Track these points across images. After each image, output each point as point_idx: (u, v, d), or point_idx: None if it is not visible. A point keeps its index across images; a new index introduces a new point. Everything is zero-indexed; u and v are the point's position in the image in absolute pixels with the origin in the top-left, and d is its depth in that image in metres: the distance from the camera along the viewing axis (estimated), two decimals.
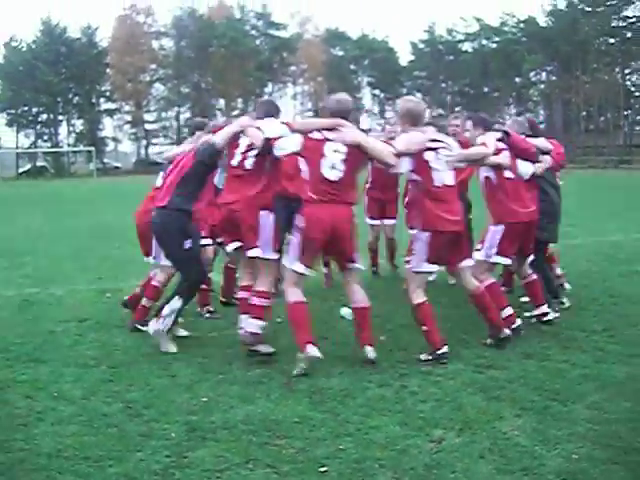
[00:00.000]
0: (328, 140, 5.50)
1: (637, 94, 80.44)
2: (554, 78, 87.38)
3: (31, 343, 6.42)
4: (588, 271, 9.44)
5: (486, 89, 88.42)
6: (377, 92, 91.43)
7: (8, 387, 5.23)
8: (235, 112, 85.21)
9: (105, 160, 80.00)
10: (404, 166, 5.71)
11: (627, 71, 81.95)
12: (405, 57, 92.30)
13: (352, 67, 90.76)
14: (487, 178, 6.38)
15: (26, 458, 3.99)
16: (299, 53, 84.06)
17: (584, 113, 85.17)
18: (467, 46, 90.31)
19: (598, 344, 6.04)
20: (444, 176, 5.73)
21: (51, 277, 10.05)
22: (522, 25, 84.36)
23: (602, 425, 4.30)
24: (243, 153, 5.89)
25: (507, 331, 5.94)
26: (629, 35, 76.19)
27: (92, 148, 70.78)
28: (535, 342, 6.09)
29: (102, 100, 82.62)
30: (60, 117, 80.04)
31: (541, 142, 6.92)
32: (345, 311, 6.65)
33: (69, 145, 78.12)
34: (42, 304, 8.21)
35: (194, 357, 5.84)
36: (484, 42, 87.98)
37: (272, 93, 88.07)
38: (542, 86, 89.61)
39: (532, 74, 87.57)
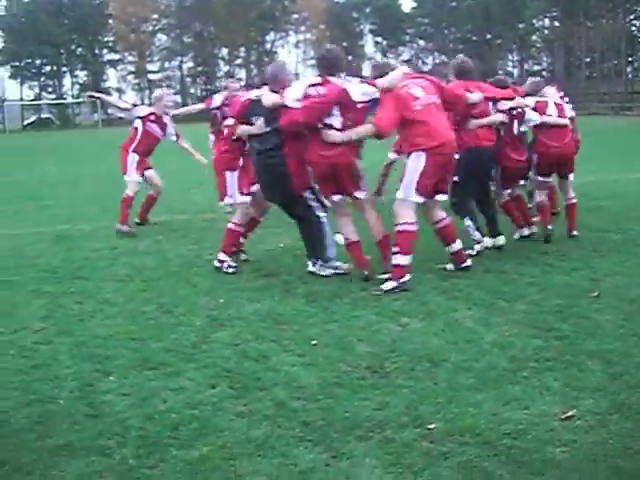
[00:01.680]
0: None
1: None
2: (557, 24, 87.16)
3: (72, 266, 7.65)
4: (560, 205, 10.55)
5: (489, 36, 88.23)
6: (379, 39, 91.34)
7: (61, 296, 6.43)
8: (238, 61, 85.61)
9: (109, 111, 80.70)
10: None
11: (630, 17, 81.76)
12: (407, 4, 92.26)
13: (354, 15, 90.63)
14: None
15: (86, 341, 5.19)
16: (301, 1, 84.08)
17: (587, 59, 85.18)
18: None
19: (548, 261, 7.22)
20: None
21: (76, 217, 11.21)
22: None
23: (534, 314, 5.50)
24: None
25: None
26: None
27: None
28: (495, 259, 7.28)
29: (105, 51, 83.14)
30: (64, 69, 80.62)
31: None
32: (338, 237, 7.73)
33: (73, 97, 78.79)
34: (73, 237, 9.41)
35: (211, 272, 7.04)
36: None
37: (274, 41, 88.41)
38: (545, 32, 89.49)
39: (534, 20, 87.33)
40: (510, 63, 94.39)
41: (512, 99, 7.76)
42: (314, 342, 4.97)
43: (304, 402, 4.03)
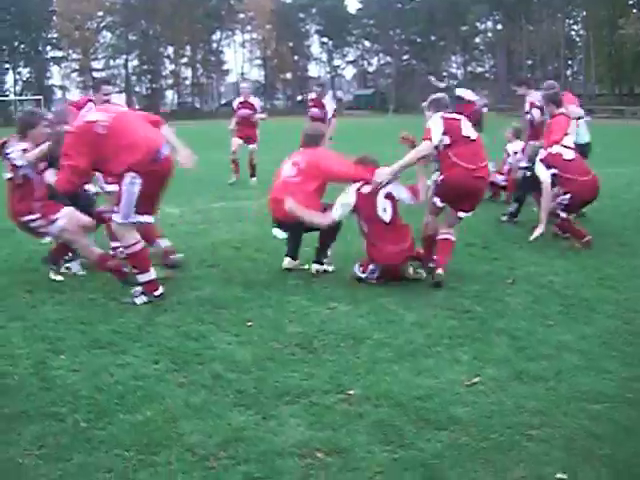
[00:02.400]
0: None
1: (579, 44, 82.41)
2: (499, 27, 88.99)
3: (21, 258, 7.94)
4: None
5: (433, 38, 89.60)
6: (325, 40, 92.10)
7: (11, 286, 6.75)
8: (184, 60, 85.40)
9: (53, 109, 79.72)
10: None
11: (570, 21, 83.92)
12: (353, 5, 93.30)
13: (300, 15, 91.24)
14: None
15: (38, 324, 5.55)
16: (247, 0, 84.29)
17: (529, 62, 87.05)
18: None
19: (472, 252, 7.80)
20: None
21: None
22: None
23: (453, 299, 6.05)
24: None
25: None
26: None
27: (40, 97, 70.59)
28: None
29: (49, 48, 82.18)
30: (6, 65, 79.43)
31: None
32: (275, 231, 8.10)
33: (16, 94, 77.70)
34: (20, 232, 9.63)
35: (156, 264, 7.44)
36: None
37: (220, 40, 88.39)
38: (488, 35, 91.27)
39: (478, 23, 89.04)
40: (454, 65, 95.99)
41: None
42: (250, 324, 5.43)
43: (239, 374, 4.49)
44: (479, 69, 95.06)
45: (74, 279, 6.94)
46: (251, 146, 14.79)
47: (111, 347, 4.99)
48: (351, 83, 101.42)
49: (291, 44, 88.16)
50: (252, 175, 14.62)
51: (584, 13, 78.93)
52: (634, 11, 70.16)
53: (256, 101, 15.30)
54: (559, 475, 3.32)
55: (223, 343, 5.05)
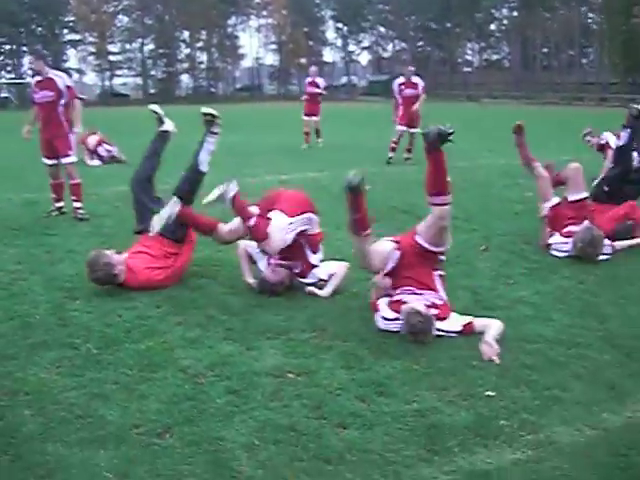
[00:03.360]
0: None
1: (595, 32, 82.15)
2: (515, 14, 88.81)
3: (40, 224, 8.65)
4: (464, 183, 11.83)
5: (448, 24, 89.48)
6: (340, 25, 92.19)
7: (32, 247, 7.47)
8: (199, 44, 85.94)
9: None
10: None
11: (584, 9, 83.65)
12: None
13: (316, 0, 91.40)
14: None
15: (56, 277, 6.25)
16: None
17: (544, 50, 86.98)
18: None
19: (456, 223, 8.42)
20: None
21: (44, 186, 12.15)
22: None
23: None
24: None
25: None
26: None
27: None
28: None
29: (65, 31, 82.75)
30: (23, 48, 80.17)
31: None
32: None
33: (33, 76, 78.37)
34: (40, 203, 10.36)
35: None
36: None
37: (235, 25, 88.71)
38: (504, 22, 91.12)
39: (493, 10, 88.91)
40: (469, 52, 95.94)
41: None
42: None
43: (229, 316, 5.21)
44: (495, 56, 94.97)
45: (87, 241, 7.65)
46: (314, 118, 18.82)
47: (120, 295, 5.69)
48: (367, 69, 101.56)
49: (306, 29, 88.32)
50: (318, 137, 18.89)
51: (600, 0, 78.69)
52: None
53: (321, 81, 19.28)
54: (488, 393, 4.00)
55: (219, 294, 5.74)
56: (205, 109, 6.37)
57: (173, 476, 3.20)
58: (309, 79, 19.39)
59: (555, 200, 7.28)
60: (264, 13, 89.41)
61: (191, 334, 4.84)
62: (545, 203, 7.28)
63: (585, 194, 7.25)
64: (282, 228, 5.60)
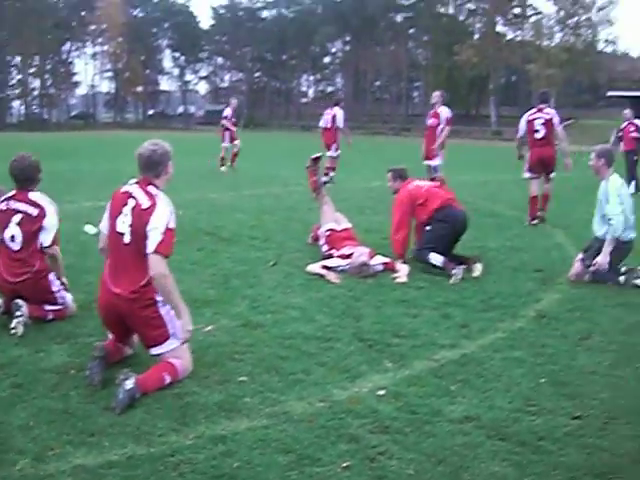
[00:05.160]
0: None
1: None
2: (348, 48, 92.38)
3: None
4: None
5: (284, 56, 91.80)
6: (177, 55, 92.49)
7: None
8: (32, 70, 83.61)
9: None
10: None
11: (412, 44, 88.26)
12: (206, 21, 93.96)
13: (153, 30, 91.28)
14: None
15: None
16: (99, 12, 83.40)
17: (377, 83, 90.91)
18: (266, 14, 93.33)
19: None
20: None
21: None
22: None
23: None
24: None
25: None
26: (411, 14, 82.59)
27: None
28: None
29: None
30: None
31: None
32: (87, 228, 9.01)
33: None
34: None
35: None
36: (283, 11, 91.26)
37: (70, 52, 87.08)
38: (340, 55, 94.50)
39: (329, 44, 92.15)
40: (305, 83, 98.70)
41: None
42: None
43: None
44: (330, 88, 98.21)
45: None
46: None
47: None
48: (206, 98, 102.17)
49: (143, 57, 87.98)
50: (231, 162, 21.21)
51: (425, 38, 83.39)
52: (472, 40, 75.17)
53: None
54: (241, 378, 4.75)
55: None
56: None
57: None
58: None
59: (330, 225, 8.41)
60: (100, 40, 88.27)
61: None
62: (323, 226, 8.47)
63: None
64: None
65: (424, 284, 7.44)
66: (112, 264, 4.84)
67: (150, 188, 4.82)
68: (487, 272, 8.02)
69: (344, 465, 3.68)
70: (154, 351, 4.80)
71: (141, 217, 4.67)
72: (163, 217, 4.67)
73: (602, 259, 7.57)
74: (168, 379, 4.63)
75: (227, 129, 21.15)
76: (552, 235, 10.70)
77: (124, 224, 4.74)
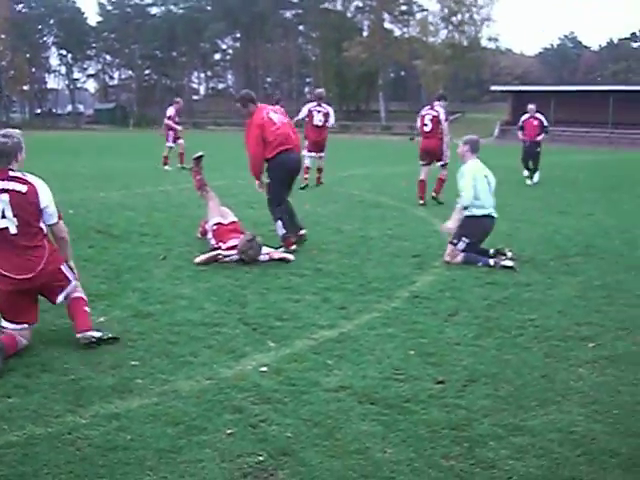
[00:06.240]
0: None
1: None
2: (238, 45, 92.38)
3: None
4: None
5: (174, 53, 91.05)
6: (64, 52, 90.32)
7: None
8: None
9: None
10: None
11: (301, 40, 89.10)
12: (93, 17, 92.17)
13: (38, 26, 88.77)
14: None
15: None
16: None
17: (269, 79, 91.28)
18: (155, 10, 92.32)
19: None
20: None
21: None
22: None
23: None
24: None
25: None
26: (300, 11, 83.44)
27: None
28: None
29: None
30: None
31: None
32: None
33: None
34: None
35: None
36: (172, 7, 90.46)
37: None
38: (230, 52, 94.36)
39: (218, 40, 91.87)
40: (196, 80, 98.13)
41: None
42: None
43: None
44: (221, 85, 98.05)
45: None
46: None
47: None
48: (96, 97, 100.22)
49: (28, 55, 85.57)
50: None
51: (314, 35, 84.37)
52: (360, 36, 76.51)
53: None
54: (133, 363, 5.05)
55: None
56: None
57: None
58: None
59: (217, 219, 8.91)
60: None
61: None
62: (210, 221, 8.91)
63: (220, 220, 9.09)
64: None
65: (307, 272, 7.88)
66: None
67: (13, 173, 5.26)
68: (367, 259, 8.58)
69: (228, 432, 4.06)
70: (61, 297, 5.56)
71: (24, 200, 5.20)
72: (48, 193, 5.35)
73: (450, 223, 8.66)
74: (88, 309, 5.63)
75: (171, 129, 21.21)
76: (432, 223, 11.35)
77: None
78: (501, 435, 4.08)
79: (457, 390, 4.71)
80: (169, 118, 21.21)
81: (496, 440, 4.02)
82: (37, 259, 5.26)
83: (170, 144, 21.27)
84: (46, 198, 5.30)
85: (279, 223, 8.94)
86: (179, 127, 21.39)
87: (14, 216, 5.16)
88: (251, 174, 9.14)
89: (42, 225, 5.34)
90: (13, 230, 5.18)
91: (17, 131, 5.47)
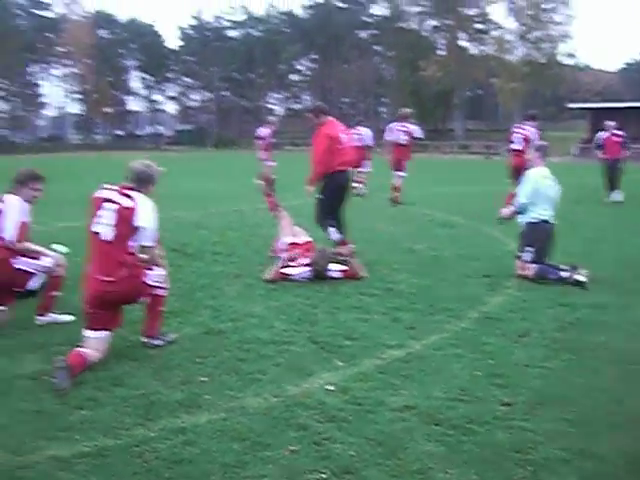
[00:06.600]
0: None
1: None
2: (315, 66, 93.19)
3: None
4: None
5: (252, 75, 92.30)
6: (145, 75, 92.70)
7: None
8: None
9: None
10: None
11: (378, 60, 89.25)
12: (173, 41, 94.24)
13: (120, 51, 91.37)
14: None
15: None
16: (65, 34, 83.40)
17: (345, 99, 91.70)
18: (234, 33, 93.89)
19: None
20: None
21: None
22: (284, 17, 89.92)
23: None
24: None
25: None
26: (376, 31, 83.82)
27: None
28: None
29: None
30: None
31: None
32: (57, 247, 9.34)
33: None
34: None
35: None
36: (250, 30, 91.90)
37: (37, 73, 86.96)
38: (308, 73, 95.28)
39: (295, 62, 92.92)
40: (273, 101, 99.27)
41: None
42: None
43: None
44: (297, 106, 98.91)
45: None
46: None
47: None
48: (176, 118, 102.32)
49: (110, 79, 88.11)
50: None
51: (390, 54, 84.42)
52: (436, 55, 76.30)
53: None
54: (202, 379, 5.15)
55: None
56: None
57: None
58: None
59: (292, 238, 9.04)
60: (67, 62, 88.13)
61: None
62: (282, 239, 9.18)
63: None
64: None
65: (377, 292, 7.90)
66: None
67: (128, 192, 5.66)
68: (438, 279, 8.54)
69: (292, 449, 4.12)
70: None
71: (126, 215, 5.54)
72: (149, 216, 5.68)
73: (504, 210, 9.25)
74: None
75: (266, 148, 19.37)
76: (505, 243, 11.21)
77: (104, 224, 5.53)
78: (567, 459, 4.02)
79: (523, 412, 4.66)
80: (261, 139, 19.59)
81: (562, 464, 3.97)
82: (124, 268, 5.52)
83: (271, 163, 19.03)
84: (144, 219, 5.61)
85: (330, 229, 9.16)
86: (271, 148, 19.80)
87: (114, 226, 5.50)
88: (309, 178, 9.28)
89: (133, 242, 5.60)
90: (109, 238, 5.49)
91: (156, 166, 6.00)
